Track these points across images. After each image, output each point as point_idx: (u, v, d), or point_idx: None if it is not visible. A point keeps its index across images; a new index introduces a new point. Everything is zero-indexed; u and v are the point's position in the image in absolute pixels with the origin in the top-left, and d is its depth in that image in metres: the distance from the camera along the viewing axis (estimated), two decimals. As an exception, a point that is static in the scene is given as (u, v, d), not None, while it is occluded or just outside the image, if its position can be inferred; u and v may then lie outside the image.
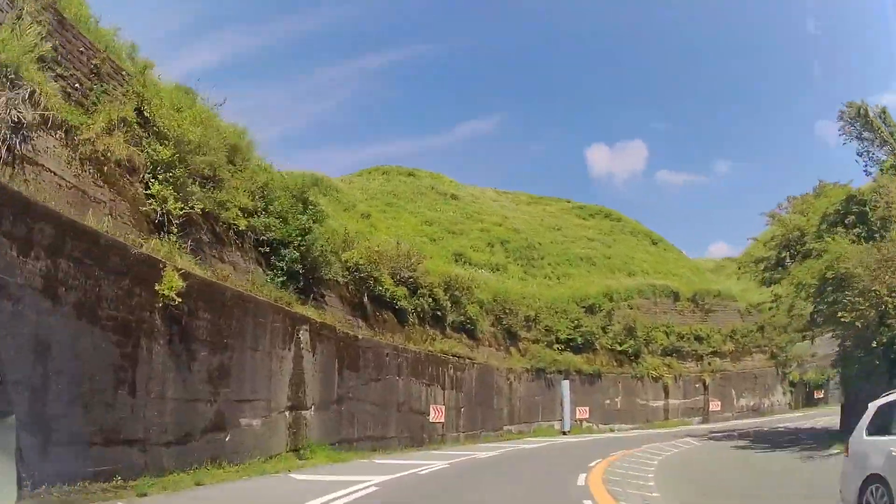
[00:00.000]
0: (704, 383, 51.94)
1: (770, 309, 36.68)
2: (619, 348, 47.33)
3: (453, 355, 32.70)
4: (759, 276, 36.39)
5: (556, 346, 43.07)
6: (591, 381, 44.46)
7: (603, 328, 46.85)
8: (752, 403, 55.09)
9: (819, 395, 58.14)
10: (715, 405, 52.39)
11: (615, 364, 47.13)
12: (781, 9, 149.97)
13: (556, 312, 44.60)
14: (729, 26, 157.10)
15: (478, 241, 51.74)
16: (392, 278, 29.09)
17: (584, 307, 46.64)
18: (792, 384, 57.14)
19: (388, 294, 28.21)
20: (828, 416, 41.26)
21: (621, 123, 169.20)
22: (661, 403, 49.44)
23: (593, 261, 57.87)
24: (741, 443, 31.42)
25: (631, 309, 49.83)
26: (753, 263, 37.19)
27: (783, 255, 33.91)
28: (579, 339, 44.24)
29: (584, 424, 43.66)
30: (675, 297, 54.66)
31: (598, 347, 46.30)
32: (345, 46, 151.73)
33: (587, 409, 43.80)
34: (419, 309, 31.14)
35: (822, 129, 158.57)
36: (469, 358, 34.57)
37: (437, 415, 30.26)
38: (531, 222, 63.09)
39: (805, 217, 33.40)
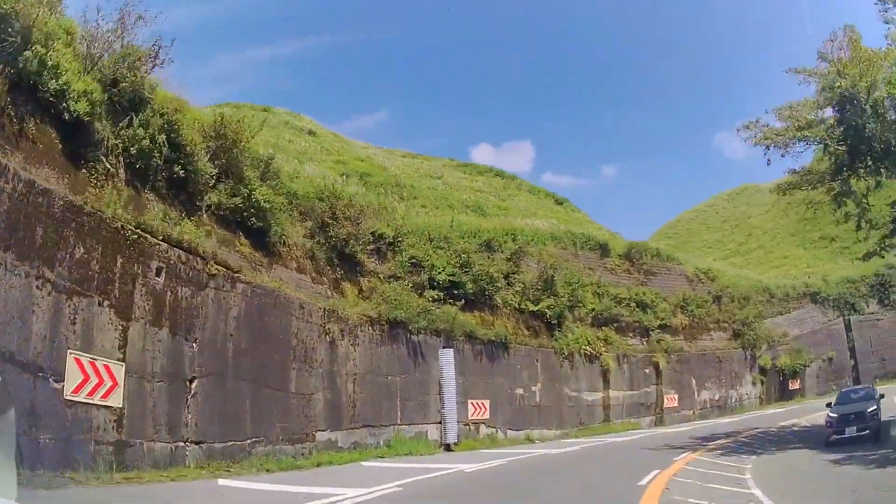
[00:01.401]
0: (657, 367, 34.95)
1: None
2: (532, 308, 29.60)
3: (172, 243, 13.76)
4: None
5: (430, 291, 24.79)
6: (491, 356, 26.30)
7: (506, 276, 29.08)
8: (716, 397, 38.60)
9: (794, 384, 42.59)
10: (671, 399, 35.46)
11: (528, 332, 29.26)
12: (687, 11, 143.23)
13: (432, 240, 26.54)
14: (630, 27, 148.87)
15: (329, 171, 32.82)
16: None
17: (478, 245, 28.83)
18: (763, 371, 41.25)
19: None
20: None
21: (512, 123, 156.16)
22: (598, 396, 31.87)
23: (484, 210, 39.92)
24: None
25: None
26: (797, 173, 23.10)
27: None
28: (469, 286, 26.21)
29: (483, 431, 25.37)
30: (604, 250, 37.87)
31: (499, 304, 28.38)
32: (234, 37, 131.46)
33: (485, 403, 25.50)
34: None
35: (720, 140, 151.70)
36: (229, 269, 15.63)
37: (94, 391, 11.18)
38: (405, 168, 45.10)
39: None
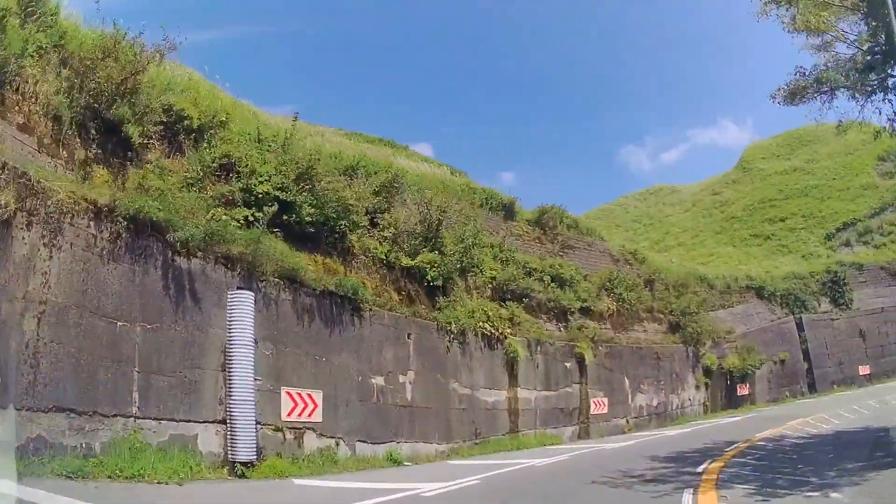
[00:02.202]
0: (581, 361, 25.90)
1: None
2: (406, 262, 20.02)
3: None
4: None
5: (242, 209, 14.93)
6: (330, 318, 16.35)
7: (372, 213, 19.52)
8: (655, 402, 29.93)
9: (743, 389, 34.64)
10: (599, 404, 26.44)
11: (397, 296, 19.57)
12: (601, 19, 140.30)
13: (261, 141, 17.09)
14: (536, 39, 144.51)
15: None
16: None
17: (337, 170, 19.05)
18: (707, 373, 33.04)
19: None
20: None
21: (411, 127, 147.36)
22: (502, 397, 22.30)
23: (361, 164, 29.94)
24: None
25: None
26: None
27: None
28: (308, 211, 16.43)
29: (311, 443, 15.20)
30: (509, 212, 28.98)
31: (355, 248, 18.60)
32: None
33: (315, 395, 15.34)
34: None
35: (627, 153, 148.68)
36: None
37: None
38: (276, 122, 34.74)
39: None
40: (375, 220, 19.80)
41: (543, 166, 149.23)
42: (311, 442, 15.08)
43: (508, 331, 22.72)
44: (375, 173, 21.16)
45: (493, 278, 24.03)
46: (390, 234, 19.97)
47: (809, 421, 23.10)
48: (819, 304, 40.02)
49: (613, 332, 29.03)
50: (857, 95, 16.64)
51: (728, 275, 38.98)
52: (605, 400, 26.66)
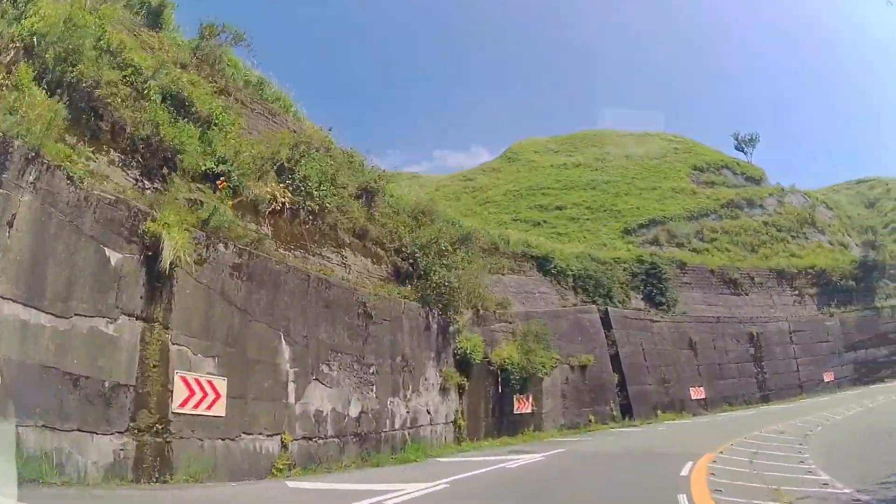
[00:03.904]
0: (153, 256, 10.10)
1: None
2: None
3: None
4: None
5: None
6: None
7: None
8: (354, 411, 14.61)
9: (523, 405, 20.87)
10: (200, 390, 10.66)
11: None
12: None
13: None
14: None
15: None
16: None
17: None
18: (465, 366, 18.76)
19: None
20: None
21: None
22: None
23: None
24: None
25: None
26: None
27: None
28: None
29: None
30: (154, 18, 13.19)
31: None
32: None
33: None
34: None
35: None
36: None
37: None
38: None
39: None
40: None
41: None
42: None
43: None
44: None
45: None
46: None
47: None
48: (629, 299, 28.31)
49: (280, 249, 13.93)
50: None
51: (495, 232, 26.55)
52: (223, 383, 11.10)
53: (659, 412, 25.45)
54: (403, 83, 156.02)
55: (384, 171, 20.24)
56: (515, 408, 20.43)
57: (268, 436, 12.25)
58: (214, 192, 12.71)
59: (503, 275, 23.72)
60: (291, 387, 13.01)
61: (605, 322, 25.84)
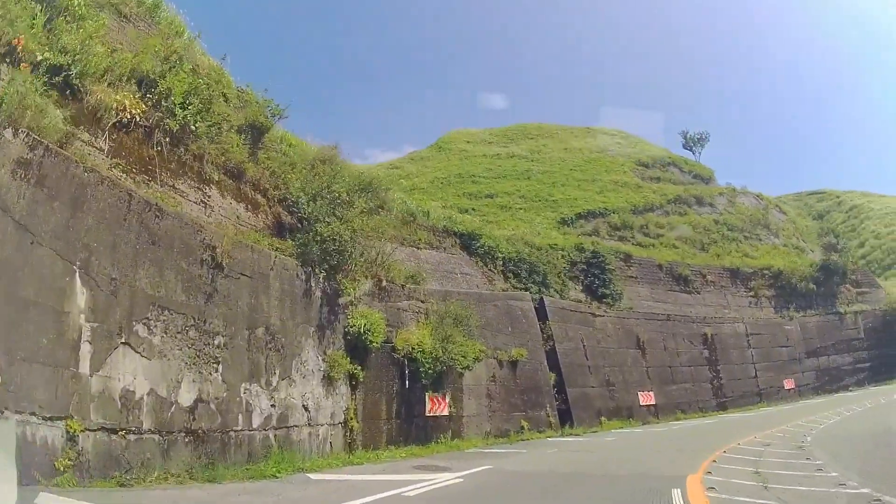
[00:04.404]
0: None
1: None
2: None
3: None
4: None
5: None
6: None
7: None
8: (188, 399, 10.36)
9: (439, 405, 16.83)
10: None
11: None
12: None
13: None
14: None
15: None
16: None
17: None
18: (357, 350, 14.54)
19: None
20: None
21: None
22: None
23: None
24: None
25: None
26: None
27: None
28: None
29: None
30: None
31: None
32: None
33: None
34: None
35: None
36: None
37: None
38: None
39: None
40: None
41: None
42: None
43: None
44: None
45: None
46: None
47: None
48: (568, 289, 24.68)
49: (117, 171, 9.67)
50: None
51: (410, 202, 22.69)
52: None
53: (603, 419, 21.77)
54: (341, 77, 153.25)
55: (279, 106, 16.02)
56: (428, 409, 16.27)
57: (45, 419, 7.91)
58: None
59: (419, 248, 19.75)
60: (86, 349, 8.71)
61: (541, 313, 22.08)
